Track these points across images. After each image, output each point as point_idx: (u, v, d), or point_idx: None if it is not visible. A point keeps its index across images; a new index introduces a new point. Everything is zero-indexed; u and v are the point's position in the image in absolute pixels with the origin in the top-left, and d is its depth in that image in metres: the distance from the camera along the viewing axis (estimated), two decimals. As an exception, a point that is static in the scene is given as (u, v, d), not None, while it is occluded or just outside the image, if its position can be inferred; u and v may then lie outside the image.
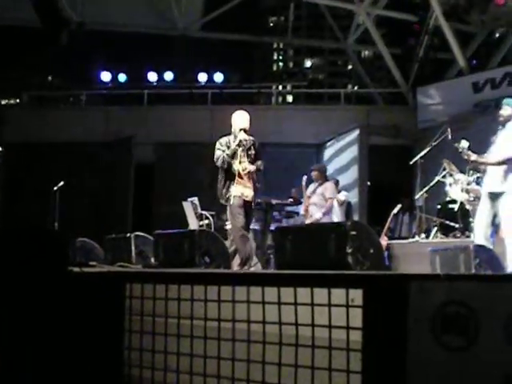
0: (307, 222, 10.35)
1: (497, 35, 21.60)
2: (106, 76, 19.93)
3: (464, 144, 7.39)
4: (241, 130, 8.09)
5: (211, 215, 11.31)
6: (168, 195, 15.66)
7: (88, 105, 19.93)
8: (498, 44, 19.37)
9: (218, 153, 8.01)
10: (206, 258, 7.05)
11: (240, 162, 7.93)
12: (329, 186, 10.78)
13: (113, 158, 17.16)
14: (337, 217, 11.61)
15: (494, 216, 7.09)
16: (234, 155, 7.95)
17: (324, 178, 10.83)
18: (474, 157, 7.31)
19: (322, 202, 10.49)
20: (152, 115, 18.15)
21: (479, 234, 7.21)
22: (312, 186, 10.72)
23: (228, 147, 8.00)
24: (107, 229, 11.52)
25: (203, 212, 11.26)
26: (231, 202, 7.84)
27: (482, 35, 18.56)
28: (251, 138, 8.23)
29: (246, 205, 7.96)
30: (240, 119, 8.27)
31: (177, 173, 16.91)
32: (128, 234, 9.01)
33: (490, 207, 7.13)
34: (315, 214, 10.35)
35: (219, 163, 7.96)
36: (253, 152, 8.12)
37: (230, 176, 7.94)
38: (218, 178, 8.06)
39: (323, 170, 11.08)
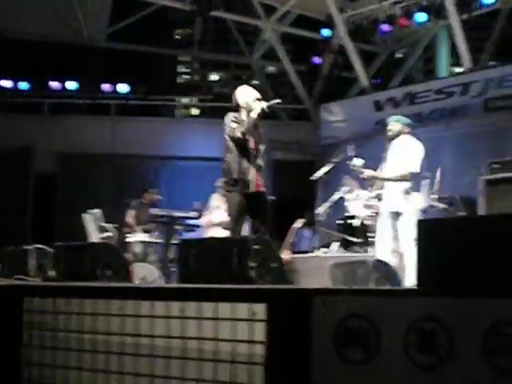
0: (208, 234, 10.32)
1: (398, 55, 22.25)
2: (6, 83, 19.39)
3: (356, 162, 7.56)
4: (257, 99, 7.14)
5: (114, 227, 11.15)
6: (70, 207, 15.30)
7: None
8: (399, 64, 19.95)
9: (233, 124, 7.02)
10: (107, 271, 6.93)
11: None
12: None
13: (10, 167, 16.67)
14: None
15: (395, 233, 7.26)
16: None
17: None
18: (369, 172, 7.47)
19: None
20: (53, 124, 17.76)
21: (381, 249, 7.38)
22: (217, 197, 10.66)
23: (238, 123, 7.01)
24: (4, 241, 11.18)
25: (105, 224, 11.08)
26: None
27: (384, 55, 19.07)
28: None
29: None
30: (249, 91, 7.32)
31: (79, 184, 16.58)
32: (26, 247, 8.76)
33: (389, 224, 7.31)
34: (219, 229, 10.33)
35: (237, 134, 6.95)
36: (260, 131, 7.21)
37: (247, 154, 7.03)
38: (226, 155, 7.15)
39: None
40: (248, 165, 6.98)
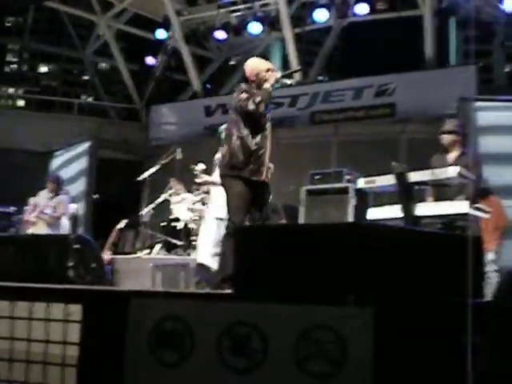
0: (30, 231, 10.00)
1: (232, 63, 22.55)
2: None
3: (200, 167, 7.62)
4: (269, 70, 6.22)
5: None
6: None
7: None
8: (232, 71, 20.23)
9: (244, 95, 5.95)
10: None
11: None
12: (63, 199, 10.50)
13: None
14: (63, 229, 11.36)
15: (219, 238, 7.35)
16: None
17: (59, 189, 10.53)
18: (205, 177, 7.55)
19: (53, 215, 10.20)
20: None
21: (201, 253, 7.44)
22: (45, 194, 10.34)
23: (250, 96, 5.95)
24: None
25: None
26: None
27: (218, 62, 19.27)
28: None
29: None
30: (260, 61, 6.33)
31: None
32: None
33: (212, 228, 7.39)
34: (43, 227, 10.04)
35: (250, 107, 5.89)
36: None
37: (261, 132, 6.05)
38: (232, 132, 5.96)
39: (60, 181, 10.74)
40: (263, 146, 5.96)
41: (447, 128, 7.19)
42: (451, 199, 6.09)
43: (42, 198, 10.33)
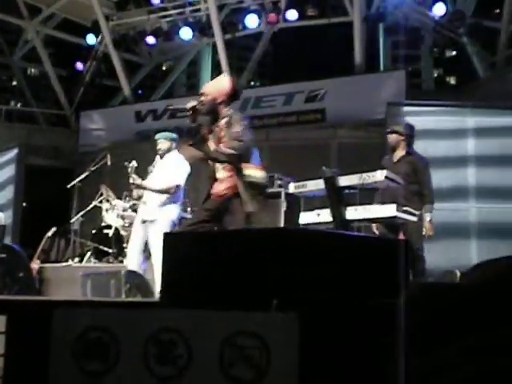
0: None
1: (163, 68, 22.44)
2: None
3: (133, 164, 7.55)
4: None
5: None
6: None
7: None
8: (163, 77, 20.16)
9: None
10: None
11: None
12: None
13: None
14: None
15: (146, 243, 7.31)
16: None
17: None
18: (139, 181, 7.48)
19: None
20: None
21: (132, 260, 7.40)
22: None
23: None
24: None
25: None
26: None
27: (149, 67, 19.19)
28: None
29: None
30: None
31: None
32: None
33: (142, 234, 7.35)
34: None
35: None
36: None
37: None
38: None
39: None
40: None
41: (391, 128, 7.47)
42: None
43: None
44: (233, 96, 5.67)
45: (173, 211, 7.44)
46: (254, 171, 5.58)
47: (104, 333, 2.78)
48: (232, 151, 5.46)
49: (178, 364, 2.70)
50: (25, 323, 3.11)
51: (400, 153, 7.31)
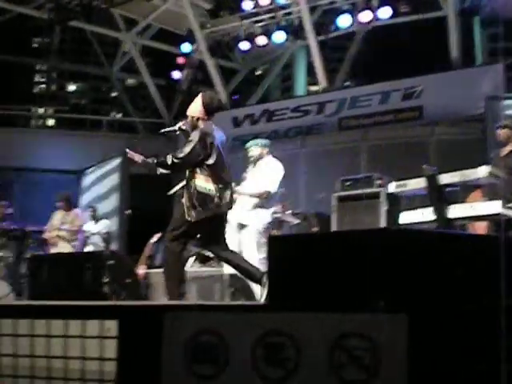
0: (53, 251, 10.11)
1: (258, 73, 22.57)
2: None
3: None
4: None
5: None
6: None
7: None
8: (258, 81, 20.27)
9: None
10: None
11: None
12: (77, 213, 10.67)
13: None
14: (93, 245, 11.47)
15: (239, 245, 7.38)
16: None
17: (70, 206, 10.71)
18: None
19: (73, 231, 10.33)
20: None
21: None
22: (59, 213, 10.52)
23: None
24: None
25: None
26: None
27: (243, 72, 19.34)
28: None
29: None
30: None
31: None
32: None
33: (236, 238, 7.41)
34: (66, 244, 10.17)
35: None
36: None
37: None
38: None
39: (68, 198, 10.95)
40: None
41: (502, 123, 7.39)
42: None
43: (56, 219, 10.51)
44: (207, 110, 6.10)
45: (265, 215, 7.48)
46: (203, 182, 5.84)
47: (214, 336, 2.84)
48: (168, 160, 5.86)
49: (287, 366, 2.72)
50: (136, 327, 3.19)
51: (510, 147, 7.21)
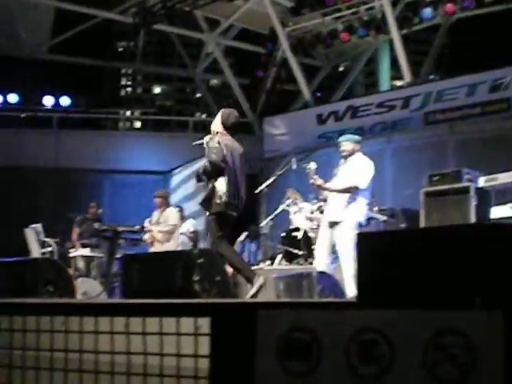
0: (152, 250, 10.25)
1: (341, 69, 22.48)
2: None
3: (312, 165, 7.62)
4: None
5: (54, 242, 11.03)
6: (7, 221, 15.00)
7: None
8: (341, 78, 20.19)
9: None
10: (49, 286, 6.85)
11: None
12: (171, 212, 10.78)
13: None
14: (183, 244, 11.64)
15: (334, 244, 7.35)
16: None
17: (167, 204, 10.83)
18: (319, 181, 7.54)
19: (166, 230, 10.46)
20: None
21: (320, 261, 7.46)
22: (156, 214, 10.65)
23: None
24: None
25: (46, 239, 10.95)
26: None
27: (326, 69, 19.30)
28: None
29: None
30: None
31: (16, 198, 16.26)
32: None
33: (329, 235, 7.39)
34: (161, 244, 10.31)
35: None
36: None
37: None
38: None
39: (166, 195, 11.07)
40: None
41: None
42: None
43: (154, 218, 10.62)
44: (225, 126, 7.00)
45: (358, 212, 7.42)
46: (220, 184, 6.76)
47: (307, 333, 2.84)
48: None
49: (381, 363, 2.70)
50: (228, 325, 3.23)
51: None
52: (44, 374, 3.69)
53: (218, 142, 6.78)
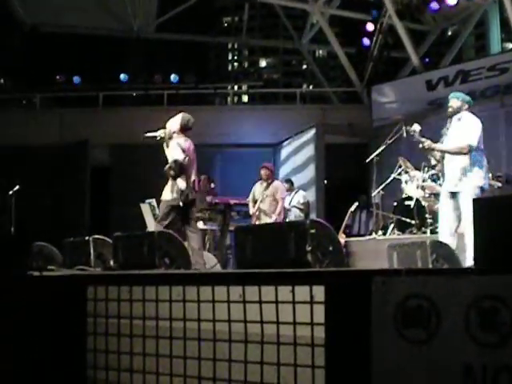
0: (257, 223, 10.31)
1: (449, 33, 21.86)
2: (60, 78, 19.73)
3: (417, 127, 7.47)
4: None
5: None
6: (124, 197, 15.51)
7: (42, 107, 19.56)
8: (450, 42, 19.65)
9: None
10: (165, 259, 7.01)
11: None
12: (278, 185, 10.82)
13: (69, 161, 16.94)
14: (295, 216, 11.70)
15: (458, 214, 7.17)
16: None
17: (273, 177, 10.88)
18: (427, 142, 7.38)
19: (273, 203, 10.51)
20: (107, 117, 17.98)
21: (444, 231, 7.29)
22: (259, 186, 10.70)
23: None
24: (64, 233, 11.37)
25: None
26: None
27: (434, 34, 18.82)
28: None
29: None
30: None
31: (133, 174, 16.73)
32: (86, 238, 8.92)
33: (451, 205, 7.22)
34: (267, 217, 10.38)
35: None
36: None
37: None
38: None
39: (272, 168, 11.11)
40: None
41: None
42: None
43: (258, 190, 10.66)
44: (182, 129, 8.00)
45: (477, 177, 7.19)
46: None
47: (424, 300, 2.81)
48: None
49: (502, 331, 2.64)
50: (343, 293, 3.23)
51: None
52: (162, 342, 3.79)
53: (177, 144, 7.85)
